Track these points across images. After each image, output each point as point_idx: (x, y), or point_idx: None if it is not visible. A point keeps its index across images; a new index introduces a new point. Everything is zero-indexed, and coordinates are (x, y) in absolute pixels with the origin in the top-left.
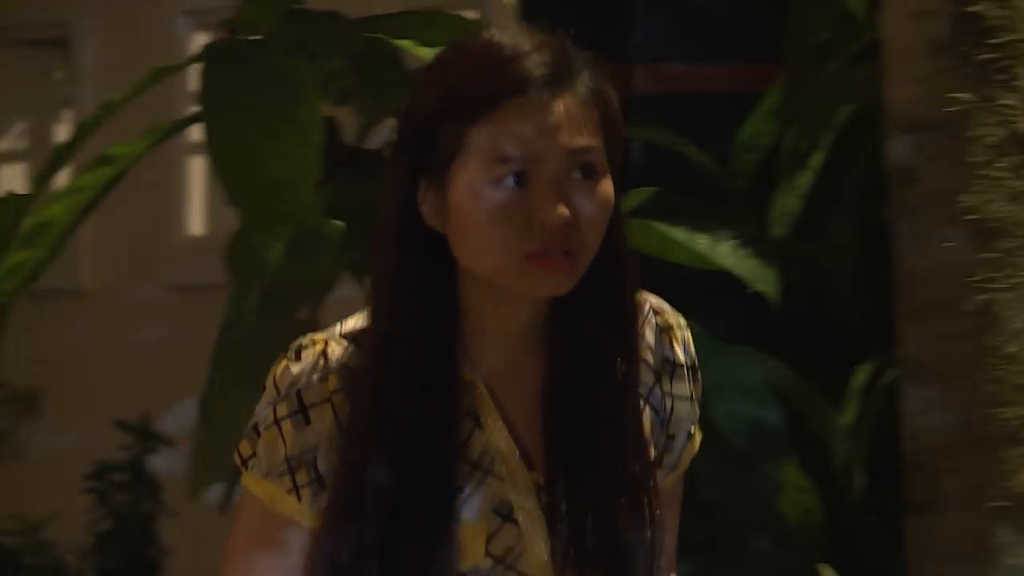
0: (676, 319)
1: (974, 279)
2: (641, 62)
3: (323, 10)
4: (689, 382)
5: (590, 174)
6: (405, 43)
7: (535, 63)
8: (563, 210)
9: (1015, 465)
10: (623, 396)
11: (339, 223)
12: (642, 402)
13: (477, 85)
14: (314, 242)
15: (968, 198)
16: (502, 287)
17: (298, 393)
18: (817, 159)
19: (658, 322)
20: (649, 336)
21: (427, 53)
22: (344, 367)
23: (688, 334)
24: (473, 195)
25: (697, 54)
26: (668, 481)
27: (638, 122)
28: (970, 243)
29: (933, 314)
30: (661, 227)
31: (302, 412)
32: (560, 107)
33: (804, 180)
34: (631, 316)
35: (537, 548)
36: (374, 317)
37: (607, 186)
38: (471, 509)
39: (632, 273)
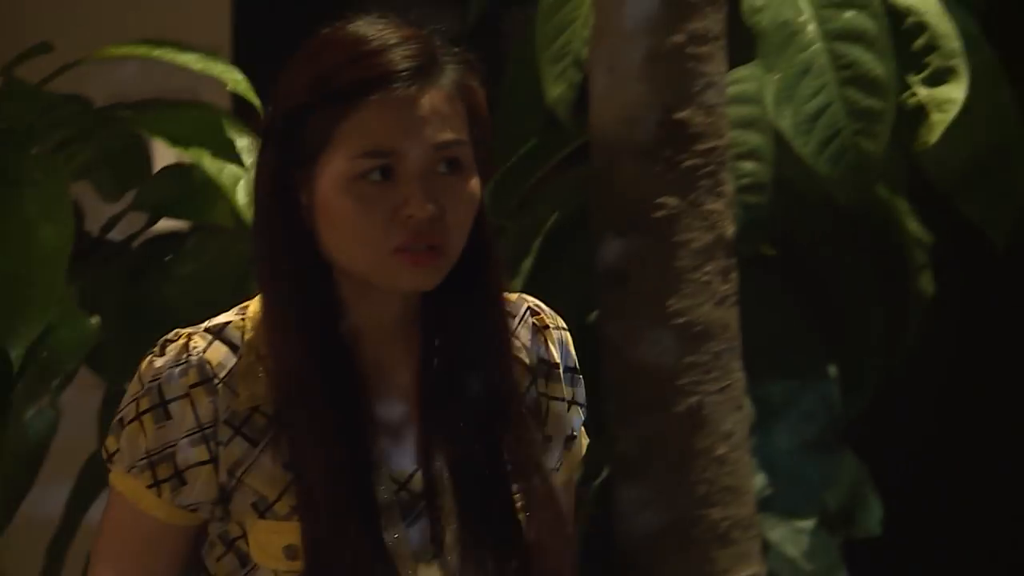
0: (554, 320)
1: (683, 381)
2: None
3: (68, 94)
4: (566, 384)
5: (456, 169)
6: (159, 137)
7: (401, 56)
8: (428, 205)
9: (726, 565)
10: (495, 384)
11: (89, 317)
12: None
13: (343, 77)
14: (61, 337)
15: (676, 301)
16: (370, 281)
17: (159, 387)
18: (527, 264)
19: (535, 322)
20: (525, 336)
21: (175, 146)
22: (204, 361)
23: (567, 336)
24: (339, 189)
25: None
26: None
27: None
28: (679, 346)
29: (644, 415)
30: None
31: (163, 406)
32: (426, 101)
33: (516, 285)
34: (499, 308)
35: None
36: (262, 309)
37: (473, 181)
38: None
39: (498, 266)
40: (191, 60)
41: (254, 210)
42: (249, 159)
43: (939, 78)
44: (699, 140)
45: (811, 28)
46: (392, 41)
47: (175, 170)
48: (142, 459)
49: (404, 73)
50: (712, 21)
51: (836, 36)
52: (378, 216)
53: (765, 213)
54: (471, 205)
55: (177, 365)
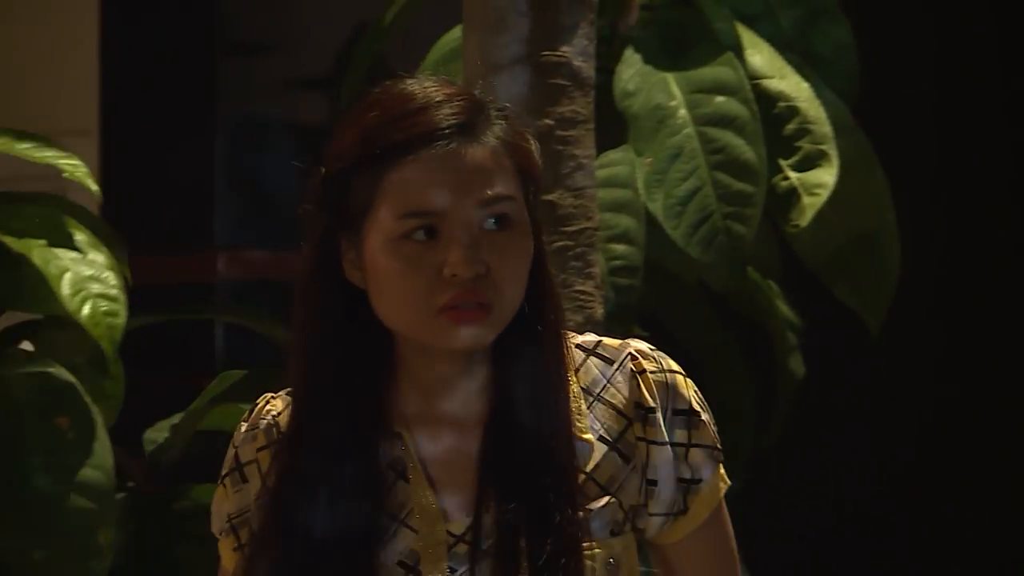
0: (656, 364)
1: None
2: (223, 249)
3: None
4: (670, 427)
5: (504, 225)
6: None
7: (444, 114)
8: (472, 262)
9: None
10: (554, 437)
11: None
12: (606, 447)
13: (387, 136)
14: None
15: None
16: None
17: (236, 452)
18: None
19: (632, 367)
20: (622, 381)
21: (12, 241)
22: (273, 424)
23: (677, 378)
24: (384, 250)
25: (277, 241)
26: (674, 531)
27: (224, 307)
28: None
29: None
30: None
31: (239, 470)
32: (469, 157)
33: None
34: (560, 357)
35: None
36: (296, 375)
37: (524, 237)
38: (383, 561)
39: (558, 313)
40: (28, 149)
41: (299, 275)
42: (90, 254)
43: (810, 162)
44: (568, 222)
45: (682, 113)
46: (437, 99)
47: (11, 262)
48: (227, 523)
49: (447, 131)
50: (580, 104)
51: (707, 121)
52: (423, 276)
53: (636, 295)
54: (520, 261)
55: (252, 429)
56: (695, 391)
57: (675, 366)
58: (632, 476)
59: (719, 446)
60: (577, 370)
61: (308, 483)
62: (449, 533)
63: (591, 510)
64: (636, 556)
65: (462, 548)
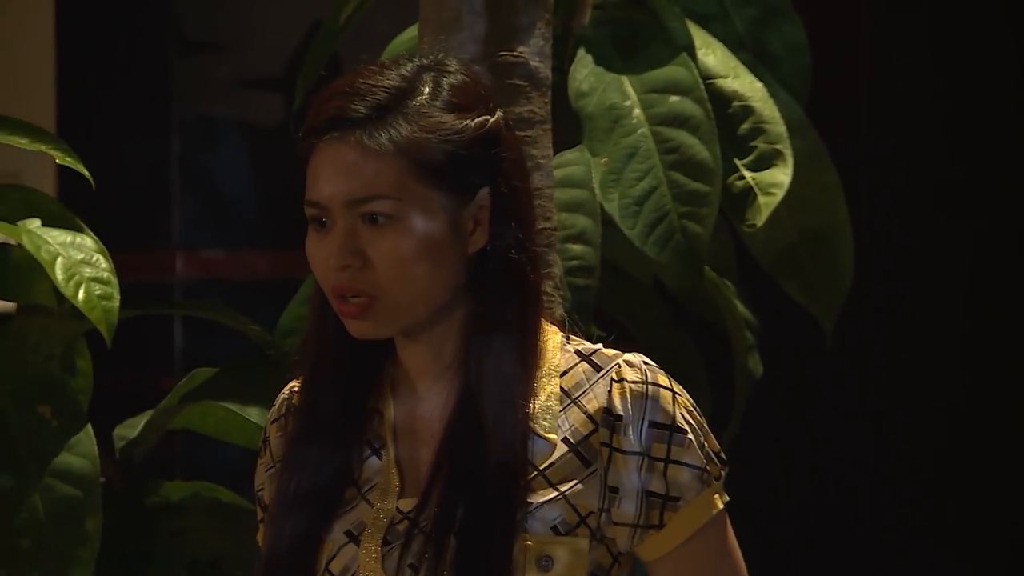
0: (641, 375)
1: None
2: (181, 248)
3: None
4: (641, 439)
5: (380, 223)
6: None
7: (347, 105)
8: (340, 254)
9: None
10: (505, 429)
11: None
12: (567, 448)
13: (310, 117)
14: None
15: None
16: None
17: (264, 428)
18: None
19: (613, 375)
20: (600, 387)
21: (1, 226)
22: (287, 398)
23: (660, 392)
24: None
25: (234, 241)
26: (654, 547)
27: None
28: None
29: None
30: (226, 407)
31: (263, 443)
32: (347, 154)
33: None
34: (524, 353)
35: (369, 572)
36: (302, 350)
37: (402, 234)
38: (335, 528)
39: (526, 308)
40: (18, 138)
41: None
42: (69, 238)
43: (765, 162)
44: None
45: (636, 112)
46: (358, 87)
47: None
48: (257, 493)
49: (343, 122)
50: (537, 104)
51: (661, 121)
52: (318, 265)
53: (593, 295)
54: (400, 257)
55: (275, 406)
56: (686, 410)
57: (664, 381)
58: (591, 480)
59: (712, 467)
60: (564, 372)
61: (296, 453)
62: (398, 510)
63: (531, 503)
64: (586, 565)
65: (404, 525)
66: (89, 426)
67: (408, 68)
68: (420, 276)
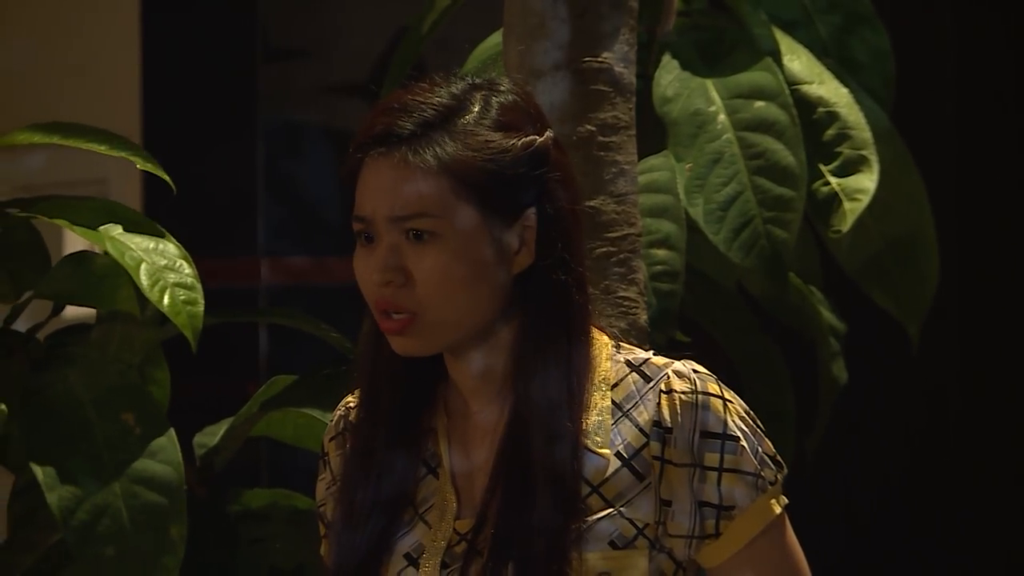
0: (687, 384)
1: None
2: (265, 255)
3: None
4: (693, 450)
5: (424, 239)
6: (60, 221)
7: (397, 121)
8: (382, 270)
9: None
10: (559, 449)
11: None
12: (620, 463)
13: (360, 132)
14: None
15: None
16: None
17: (323, 443)
18: None
19: (663, 386)
20: (651, 399)
21: (83, 232)
22: (344, 415)
23: (712, 401)
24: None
25: (318, 247)
26: (713, 554)
27: (266, 311)
28: None
29: None
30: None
31: (322, 459)
32: (392, 171)
33: None
34: (575, 370)
35: None
36: (359, 368)
37: (446, 252)
38: (395, 550)
39: (577, 325)
40: (98, 145)
41: None
42: (152, 244)
43: (850, 167)
44: (611, 228)
45: (722, 118)
46: (407, 104)
47: (76, 257)
48: (317, 508)
49: (390, 138)
50: (621, 110)
51: (746, 126)
52: (363, 280)
53: (678, 300)
54: (440, 275)
55: (332, 422)
56: (739, 416)
57: (714, 389)
58: (646, 494)
59: (767, 472)
60: (615, 384)
61: (355, 472)
62: (456, 531)
63: (587, 522)
64: (647, 575)
65: (462, 547)
66: (172, 433)
67: (459, 86)
68: (461, 294)
